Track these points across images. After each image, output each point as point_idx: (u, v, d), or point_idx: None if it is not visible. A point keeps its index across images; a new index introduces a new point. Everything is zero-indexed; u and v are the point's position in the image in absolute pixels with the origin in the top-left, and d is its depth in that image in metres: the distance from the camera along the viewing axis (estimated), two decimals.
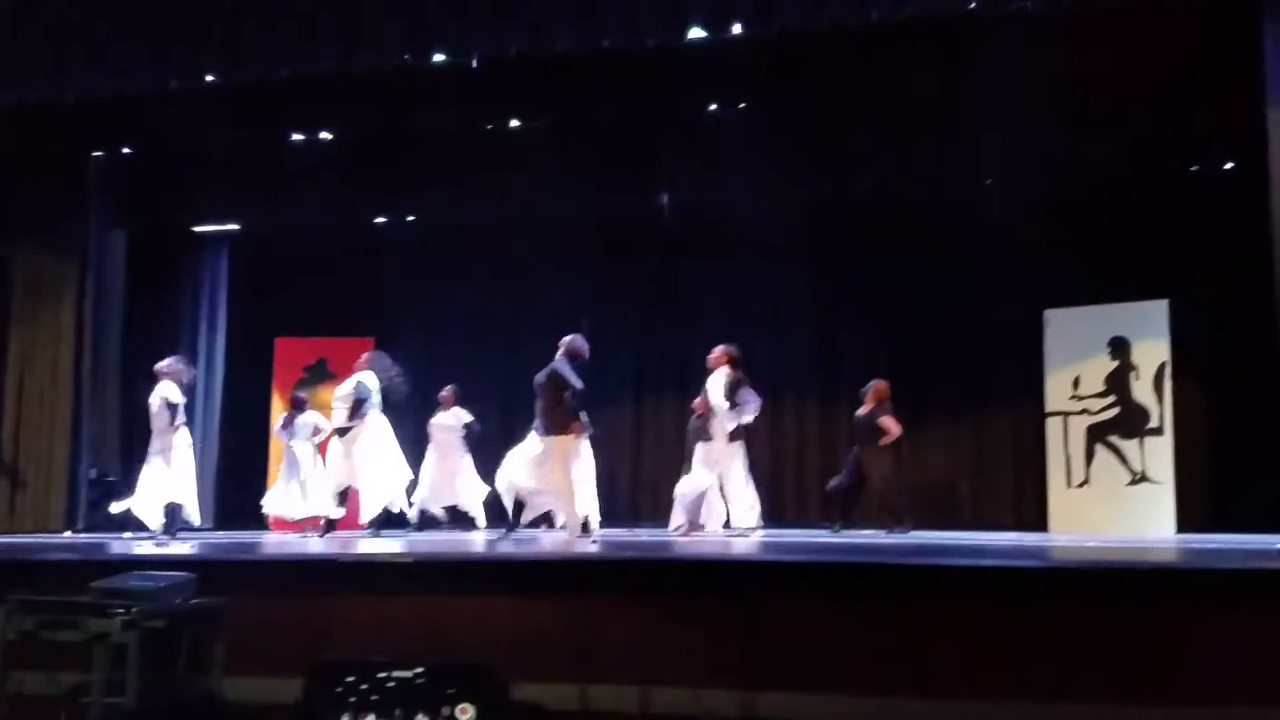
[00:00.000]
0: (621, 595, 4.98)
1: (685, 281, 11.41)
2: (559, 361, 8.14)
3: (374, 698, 3.02)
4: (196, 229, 11.50)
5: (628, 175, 10.11)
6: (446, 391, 10.37)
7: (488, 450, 10.65)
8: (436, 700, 3.03)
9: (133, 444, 11.28)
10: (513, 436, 10.33)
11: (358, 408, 8.97)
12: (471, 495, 9.98)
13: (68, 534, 9.66)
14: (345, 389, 9.13)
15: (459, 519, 10.15)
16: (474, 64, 8.52)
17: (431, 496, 10.06)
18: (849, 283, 11.08)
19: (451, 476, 10.10)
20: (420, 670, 3.05)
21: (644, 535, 9.06)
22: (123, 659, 4.33)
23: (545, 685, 4.55)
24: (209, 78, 8.73)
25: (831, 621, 4.73)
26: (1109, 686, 4.35)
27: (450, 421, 10.27)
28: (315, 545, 8.08)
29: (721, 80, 8.98)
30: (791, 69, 8.82)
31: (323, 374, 11.39)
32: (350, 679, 3.01)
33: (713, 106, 9.58)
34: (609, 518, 9.88)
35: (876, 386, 9.58)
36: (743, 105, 9.57)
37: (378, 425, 9.07)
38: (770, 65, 8.73)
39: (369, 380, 9.07)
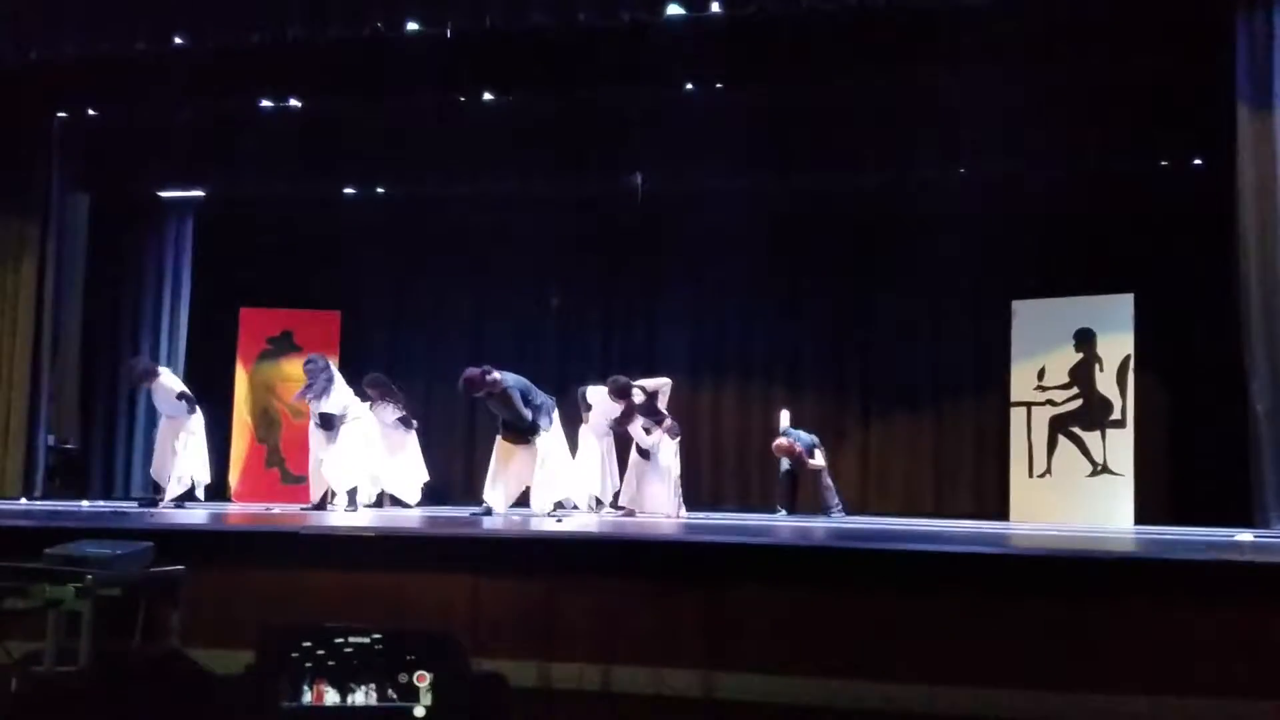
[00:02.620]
0: (583, 574, 4.98)
1: (652, 264, 11.39)
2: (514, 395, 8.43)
3: (330, 664, 2.98)
4: (161, 194, 11.32)
5: (600, 154, 10.06)
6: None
7: (451, 426, 10.64)
8: (393, 667, 2.99)
9: (91, 411, 11.16)
10: (476, 414, 10.31)
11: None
12: (400, 478, 9.75)
13: (24, 501, 9.53)
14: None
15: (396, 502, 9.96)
16: (447, 34, 8.44)
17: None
18: (817, 270, 11.10)
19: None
20: (377, 637, 3.00)
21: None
22: (76, 627, 4.26)
23: (506, 662, 4.53)
24: (177, 40, 8.61)
25: (792, 604, 4.74)
26: (1065, 674, 4.39)
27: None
28: (275, 517, 8.02)
29: (697, 60, 8.94)
30: (766, 52, 8.80)
31: (288, 345, 11.28)
32: (306, 644, 2.97)
33: (688, 87, 9.52)
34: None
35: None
36: (718, 86, 9.51)
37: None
38: (746, 47, 8.71)
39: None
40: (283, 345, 11.31)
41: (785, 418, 10.17)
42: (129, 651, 4.36)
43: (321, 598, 5.02)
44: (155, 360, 10.23)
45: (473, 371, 8.38)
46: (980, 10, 7.97)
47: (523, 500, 8.74)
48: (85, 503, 9.55)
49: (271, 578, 5.11)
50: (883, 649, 4.59)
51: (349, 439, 8.66)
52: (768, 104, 9.55)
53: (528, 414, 8.48)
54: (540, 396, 8.67)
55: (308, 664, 2.96)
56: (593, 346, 11.46)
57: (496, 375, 8.39)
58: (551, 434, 8.70)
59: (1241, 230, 7.88)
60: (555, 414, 8.81)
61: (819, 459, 9.97)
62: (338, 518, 7.78)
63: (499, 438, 8.70)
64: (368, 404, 9.11)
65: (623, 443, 9.26)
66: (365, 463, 8.88)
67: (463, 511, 8.63)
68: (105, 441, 11.22)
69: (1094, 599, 4.50)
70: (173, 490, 9.14)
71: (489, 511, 8.37)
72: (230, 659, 4.32)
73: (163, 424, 9.43)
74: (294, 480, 10.86)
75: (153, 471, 9.48)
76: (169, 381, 9.29)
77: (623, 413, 8.74)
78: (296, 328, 11.30)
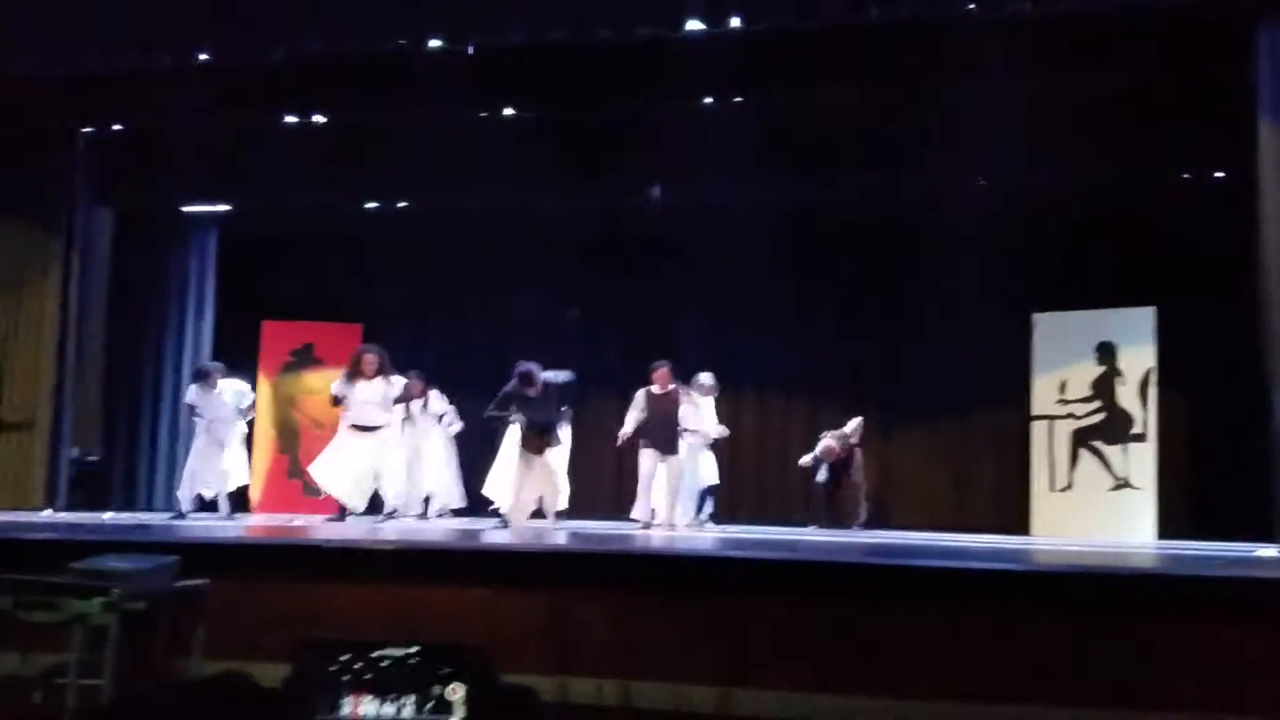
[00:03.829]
0: (602, 589, 4.98)
1: (672, 277, 11.40)
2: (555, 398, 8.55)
3: (367, 676, 3.00)
4: (184, 209, 11.42)
5: (619, 168, 10.08)
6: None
7: (471, 437, 10.65)
8: (428, 680, 3.01)
9: (114, 424, 11.24)
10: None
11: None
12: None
13: (47, 513, 9.60)
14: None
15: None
16: (469, 51, 8.49)
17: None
18: (837, 281, 11.09)
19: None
20: (413, 650, 3.03)
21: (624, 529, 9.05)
22: (101, 641, 4.28)
23: (525, 677, 4.54)
24: (201, 57, 8.68)
25: (810, 620, 4.74)
26: (1088, 691, 4.37)
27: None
28: (298, 530, 8.05)
29: (716, 75, 8.96)
30: (786, 66, 8.80)
31: (309, 359, 11.35)
32: (344, 657, 2.99)
33: (706, 100, 9.54)
34: (593, 511, 9.89)
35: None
36: (737, 100, 9.53)
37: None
38: (765, 61, 8.72)
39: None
40: (304, 358, 11.38)
41: (853, 425, 10.12)
42: (153, 665, 4.39)
43: (345, 610, 5.05)
44: (178, 379, 10.43)
45: (532, 367, 8.38)
46: (1000, 23, 7.96)
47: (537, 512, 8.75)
48: (108, 515, 9.61)
49: (295, 591, 5.14)
50: (902, 665, 4.58)
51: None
52: (786, 117, 9.55)
53: (557, 419, 8.53)
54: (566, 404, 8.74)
55: (345, 677, 2.99)
56: (611, 358, 11.47)
57: (550, 375, 8.46)
58: (562, 447, 8.77)
59: (1263, 243, 7.84)
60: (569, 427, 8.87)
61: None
62: (360, 531, 7.81)
63: (520, 449, 8.64)
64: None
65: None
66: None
67: (483, 523, 8.65)
68: (127, 454, 11.31)
69: (1117, 615, 4.48)
70: (216, 490, 9.43)
71: (507, 524, 8.39)
72: (256, 671, 4.35)
73: (201, 426, 9.54)
74: (314, 492, 10.90)
75: (189, 478, 9.53)
76: (238, 386, 9.59)
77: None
78: (318, 340, 11.37)
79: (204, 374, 9.56)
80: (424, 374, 9.85)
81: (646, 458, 8.84)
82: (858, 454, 10.08)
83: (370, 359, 9.01)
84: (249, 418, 9.76)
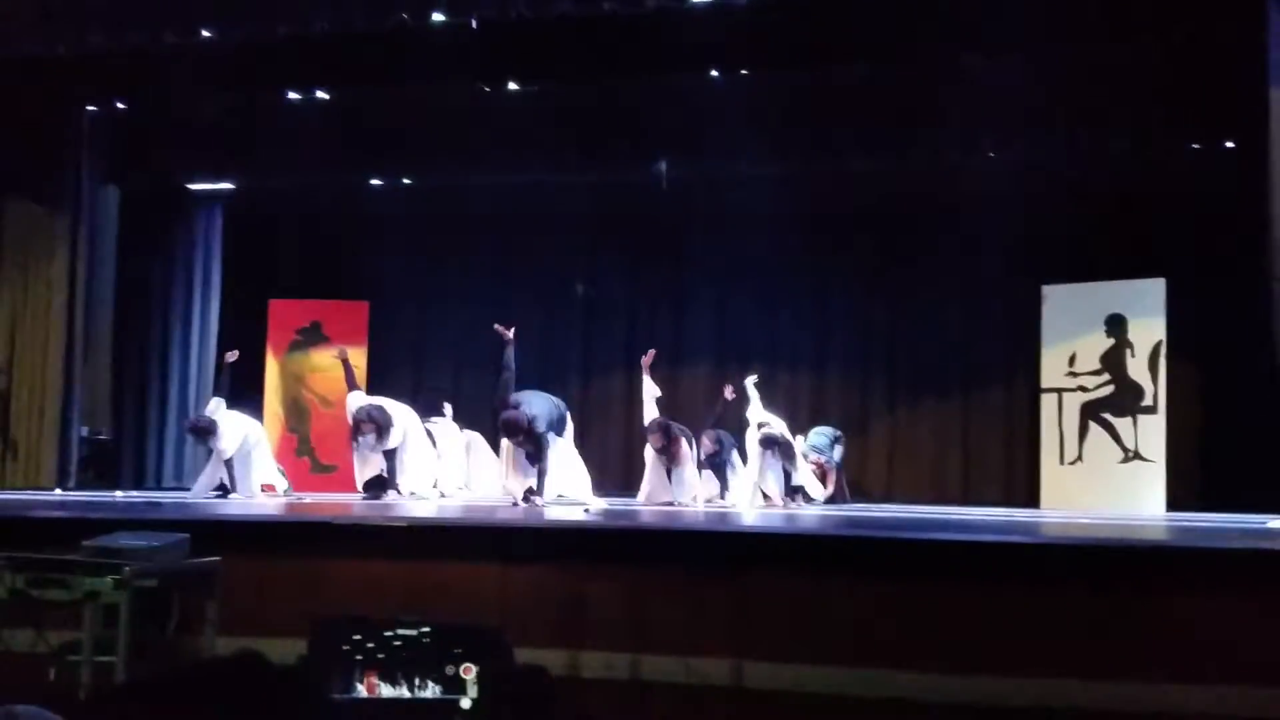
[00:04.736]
0: (612, 564, 4.99)
1: (678, 251, 11.36)
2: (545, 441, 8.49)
3: (380, 656, 3.01)
4: (191, 187, 11.40)
5: (625, 143, 10.04)
6: None
7: (478, 415, 10.67)
8: (441, 660, 3.02)
9: (123, 402, 11.26)
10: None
11: None
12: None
13: (58, 492, 9.64)
14: None
15: None
16: (473, 25, 8.45)
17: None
18: (844, 256, 11.04)
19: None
20: (426, 630, 3.03)
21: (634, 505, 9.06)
22: (114, 618, 4.31)
23: (536, 651, 4.55)
24: (205, 33, 8.65)
25: (820, 593, 4.74)
26: (1096, 664, 4.37)
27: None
28: (308, 507, 8.07)
29: (722, 47, 8.91)
30: (792, 37, 8.75)
31: (316, 337, 11.34)
32: (356, 636, 3.00)
33: (714, 74, 9.49)
34: (600, 489, 9.89)
35: None
36: (744, 73, 9.47)
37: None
38: (771, 33, 8.67)
39: None
40: (312, 336, 11.37)
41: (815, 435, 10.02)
42: (165, 642, 4.41)
43: (355, 587, 5.07)
44: (186, 357, 10.36)
45: (515, 416, 8.32)
46: None
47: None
48: (119, 493, 9.65)
49: (305, 567, 5.16)
50: (912, 638, 4.59)
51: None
52: (793, 92, 9.50)
53: (546, 447, 8.45)
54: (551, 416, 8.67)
55: (358, 656, 3.00)
56: (618, 334, 11.46)
57: (534, 415, 8.36)
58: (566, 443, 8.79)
59: (1273, 213, 7.79)
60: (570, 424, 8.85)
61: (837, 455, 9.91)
62: (371, 508, 7.82)
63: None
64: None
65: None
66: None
67: (493, 502, 8.67)
68: (137, 432, 11.33)
69: (1127, 587, 4.48)
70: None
71: (516, 502, 8.40)
72: (267, 648, 4.36)
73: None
74: (323, 469, 10.94)
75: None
76: (231, 427, 9.08)
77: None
78: (325, 318, 11.36)
79: (199, 432, 9.16)
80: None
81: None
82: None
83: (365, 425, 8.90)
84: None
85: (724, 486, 9.04)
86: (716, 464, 9.02)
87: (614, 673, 4.76)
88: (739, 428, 9.21)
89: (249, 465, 9.13)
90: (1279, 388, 7.74)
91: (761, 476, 8.95)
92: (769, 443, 8.89)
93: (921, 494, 10.44)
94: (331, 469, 10.73)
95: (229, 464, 9.00)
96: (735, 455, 9.13)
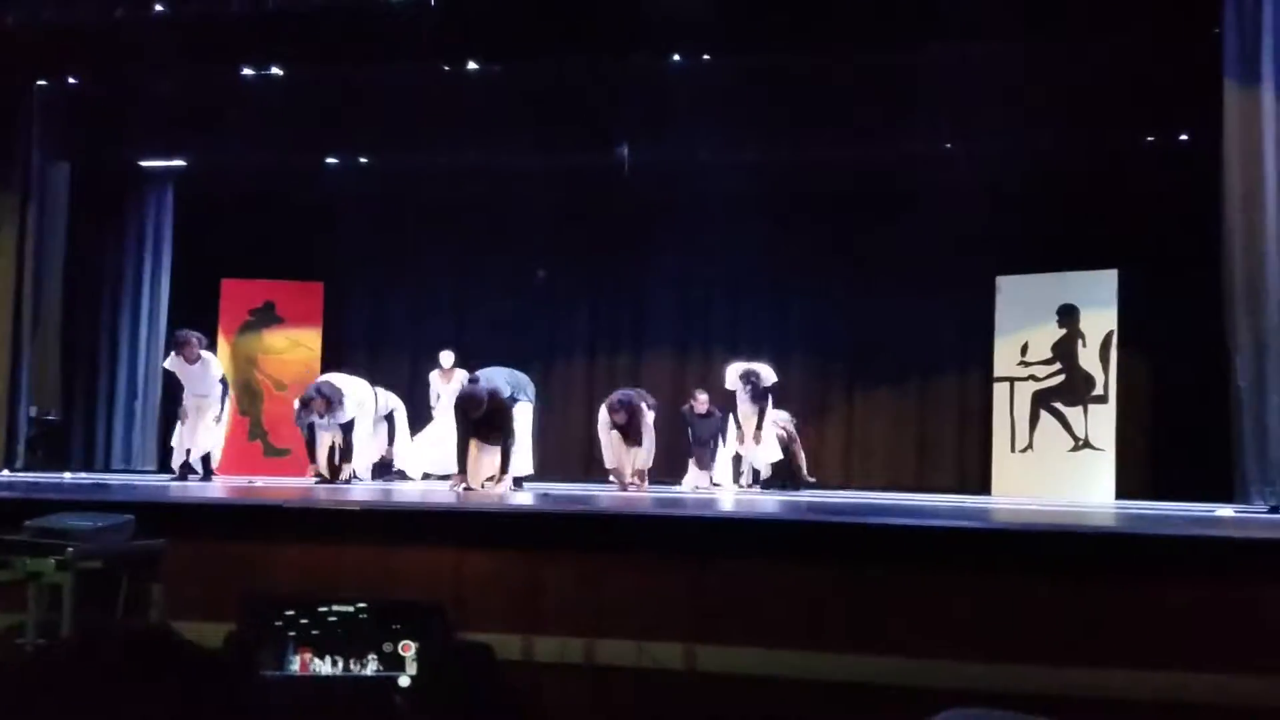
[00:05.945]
0: (567, 548, 4.97)
1: (639, 237, 11.34)
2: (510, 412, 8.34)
3: (314, 633, 2.95)
4: (142, 164, 11.22)
5: (587, 126, 10.00)
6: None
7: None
8: (379, 637, 2.97)
9: (73, 382, 11.08)
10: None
11: None
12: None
13: (5, 473, 9.47)
14: None
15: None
16: (431, 2, 8.36)
17: None
18: (803, 244, 11.08)
19: None
20: (362, 606, 2.98)
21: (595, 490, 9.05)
22: (58, 600, 4.23)
23: (490, 636, 4.52)
24: (157, 8, 8.50)
25: (776, 577, 4.75)
26: (1047, 647, 4.41)
27: None
28: (257, 490, 7.98)
29: (684, 31, 8.88)
30: (754, 23, 8.74)
31: (270, 318, 11.22)
32: (289, 613, 2.94)
33: (676, 58, 9.46)
34: (562, 473, 9.86)
35: None
36: (706, 58, 9.45)
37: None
38: (733, 17, 8.65)
39: None
40: (265, 317, 11.25)
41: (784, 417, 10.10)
42: (110, 624, 4.33)
43: (305, 572, 5.01)
44: (136, 337, 10.17)
45: (474, 391, 8.11)
46: None
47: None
48: (67, 474, 9.50)
49: (254, 551, 5.09)
50: (865, 623, 4.61)
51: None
52: (753, 78, 9.49)
53: (509, 426, 8.26)
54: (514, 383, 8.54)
55: (291, 633, 2.94)
56: (579, 319, 11.43)
57: (496, 388, 8.15)
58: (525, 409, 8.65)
59: (1226, 206, 7.89)
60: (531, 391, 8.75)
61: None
62: (323, 491, 7.75)
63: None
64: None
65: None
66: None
67: (446, 486, 8.61)
68: (86, 413, 11.16)
69: (1077, 574, 4.52)
70: (182, 458, 9.02)
71: (469, 487, 8.33)
72: (213, 632, 4.30)
73: (190, 402, 9.06)
74: (276, 453, 10.83)
75: (175, 443, 9.19)
76: (214, 364, 9.14)
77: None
78: (279, 299, 11.24)
79: (183, 343, 8.97)
80: None
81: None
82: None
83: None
84: (226, 395, 9.24)
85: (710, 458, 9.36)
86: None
87: (568, 657, 4.75)
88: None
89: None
90: (1228, 379, 7.86)
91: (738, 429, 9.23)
92: (748, 377, 9.15)
93: (877, 480, 10.52)
94: (285, 453, 10.64)
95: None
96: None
